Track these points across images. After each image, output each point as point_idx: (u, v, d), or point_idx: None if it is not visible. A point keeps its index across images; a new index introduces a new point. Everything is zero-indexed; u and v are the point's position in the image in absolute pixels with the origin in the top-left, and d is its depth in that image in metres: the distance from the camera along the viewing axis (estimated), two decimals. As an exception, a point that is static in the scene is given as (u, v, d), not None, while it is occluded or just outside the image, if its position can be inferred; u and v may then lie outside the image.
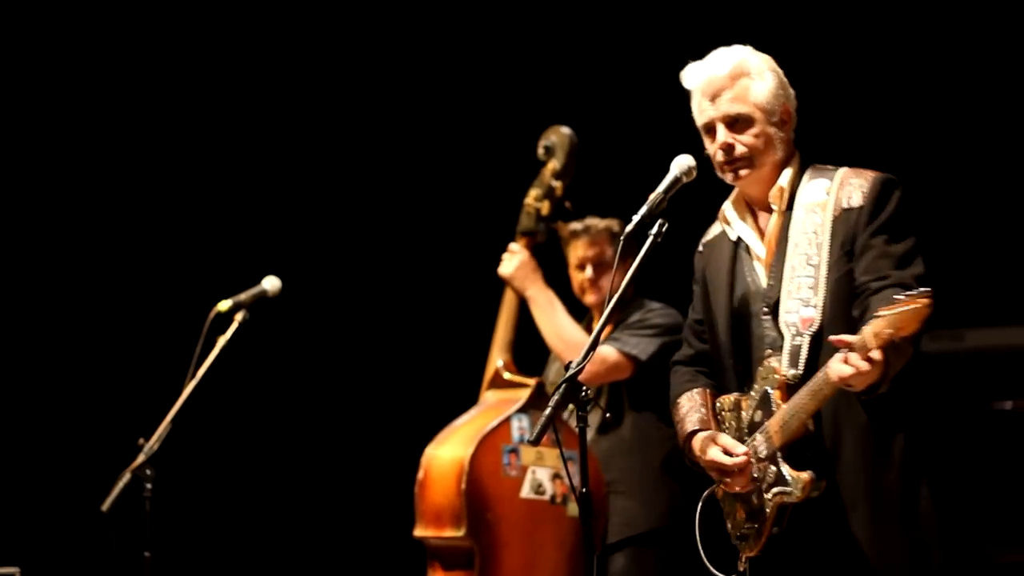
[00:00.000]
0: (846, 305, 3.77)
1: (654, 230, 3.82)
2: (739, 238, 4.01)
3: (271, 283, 5.32)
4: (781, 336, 3.83)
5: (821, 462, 3.77)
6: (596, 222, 5.61)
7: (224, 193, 7.43)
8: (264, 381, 7.24)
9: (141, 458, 4.95)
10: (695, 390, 4.08)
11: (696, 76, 3.98)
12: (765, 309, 3.89)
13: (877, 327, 3.45)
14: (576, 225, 5.63)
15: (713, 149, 3.95)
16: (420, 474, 5.24)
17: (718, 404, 4.01)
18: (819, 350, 3.76)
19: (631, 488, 5.37)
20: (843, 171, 3.90)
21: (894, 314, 3.43)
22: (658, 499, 5.37)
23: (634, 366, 5.36)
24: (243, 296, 5.25)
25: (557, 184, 5.60)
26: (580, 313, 5.68)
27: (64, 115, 7.32)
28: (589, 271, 5.57)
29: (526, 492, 5.19)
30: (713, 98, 3.94)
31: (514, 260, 5.53)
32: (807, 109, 4.10)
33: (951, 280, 6.82)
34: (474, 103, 7.36)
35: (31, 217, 7.28)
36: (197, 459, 6.75)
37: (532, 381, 5.36)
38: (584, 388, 3.72)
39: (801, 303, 3.80)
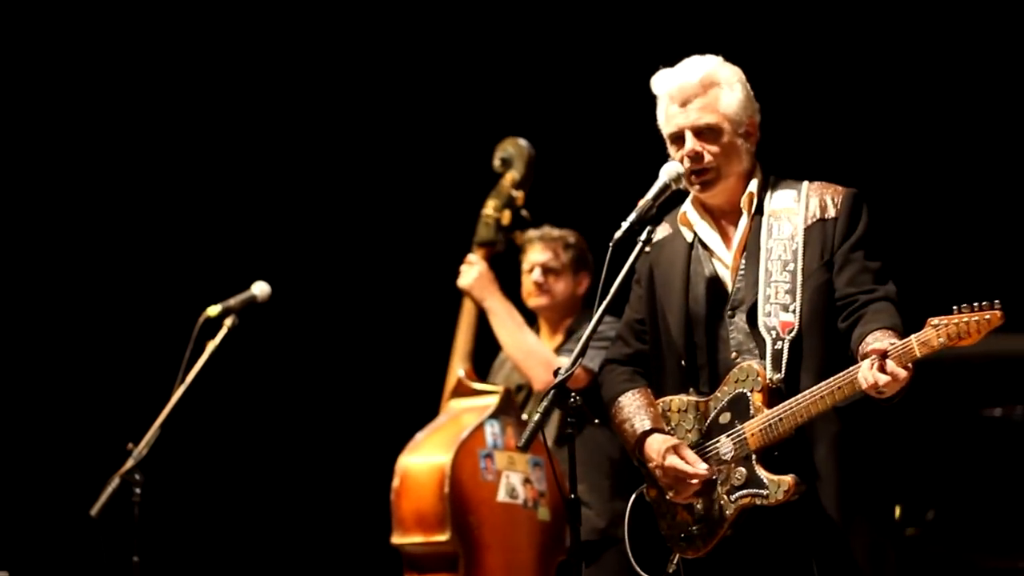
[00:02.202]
0: (823, 313, 3.82)
1: (643, 237, 3.83)
2: (695, 240, 4.02)
3: (260, 289, 5.31)
4: (754, 339, 3.86)
5: (797, 467, 3.79)
6: (551, 230, 5.68)
7: (211, 200, 7.44)
8: (252, 386, 7.24)
9: (130, 463, 4.94)
10: (636, 390, 4.07)
11: (666, 82, 3.99)
12: (731, 311, 3.91)
13: (926, 336, 3.54)
14: (533, 232, 5.69)
15: (679, 156, 3.95)
16: (395, 482, 5.25)
17: (662, 405, 4.01)
18: (799, 355, 3.80)
19: (588, 496, 5.41)
20: (807, 183, 3.95)
21: (952, 324, 3.51)
22: (613, 506, 5.41)
23: (589, 378, 5.41)
24: (232, 301, 5.25)
25: (518, 194, 5.65)
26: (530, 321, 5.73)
27: (53, 122, 7.32)
28: (537, 274, 5.63)
29: (502, 496, 5.23)
30: (683, 105, 3.95)
31: (472, 271, 5.55)
32: (769, 122, 4.13)
33: (937, 287, 6.86)
34: (435, 118, 7.43)
35: (20, 224, 7.28)
36: (186, 464, 6.75)
37: (500, 388, 5.40)
38: (572, 394, 3.72)
39: (780, 308, 3.82)
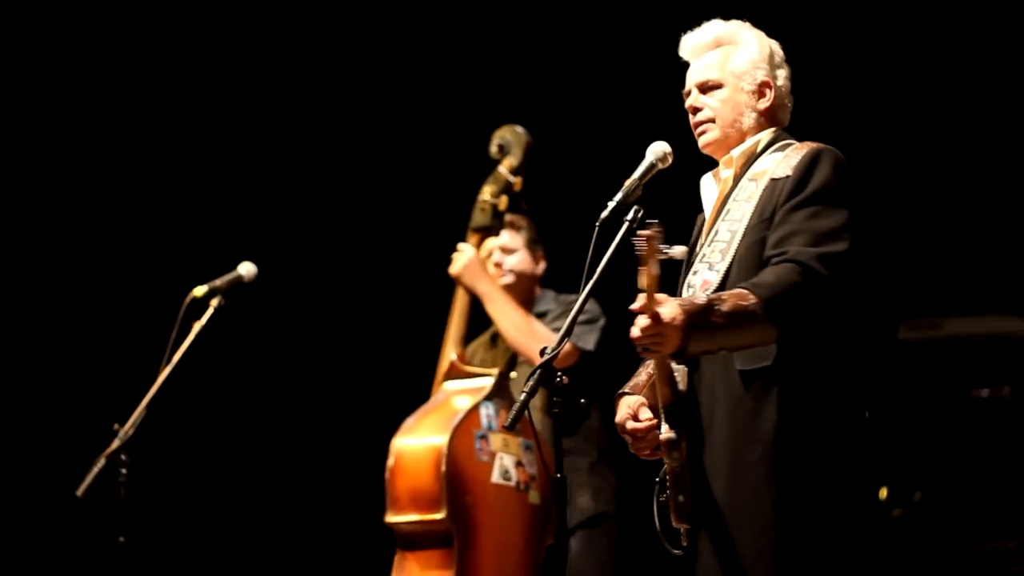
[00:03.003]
0: (752, 272, 3.63)
1: (629, 216, 3.78)
2: None
3: (247, 269, 5.30)
4: None
5: (693, 427, 3.67)
6: (508, 216, 5.69)
7: (199, 179, 7.43)
8: (239, 367, 7.23)
9: (116, 443, 4.93)
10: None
11: (686, 44, 3.94)
12: (694, 273, 3.80)
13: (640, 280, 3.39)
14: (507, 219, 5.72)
15: (690, 115, 3.91)
16: (390, 462, 5.26)
17: None
18: None
19: (578, 474, 5.42)
20: (795, 144, 3.79)
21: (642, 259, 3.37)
22: (604, 484, 5.45)
23: (579, 356, 5.41)
24: (219, 282, 5.24)
25: (516, 180, 5.65)
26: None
27: (40, 103, 7.31)
28: (497, 255, 5.66)
29: (496, 477, 5.24)
30: (694, 61, 3.91)
31: (463, 258, 5.55)
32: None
33: (929, 269, 6.88)
34: (429, 102, 7.43)
35: (4, 206, 7.26)
36: (172, 445, 6.75)
37: (494, 371, 5.41)
38: (558, 374, 3.69)
39: (707, 266, 3.72)
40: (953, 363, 6.68)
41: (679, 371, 3.72)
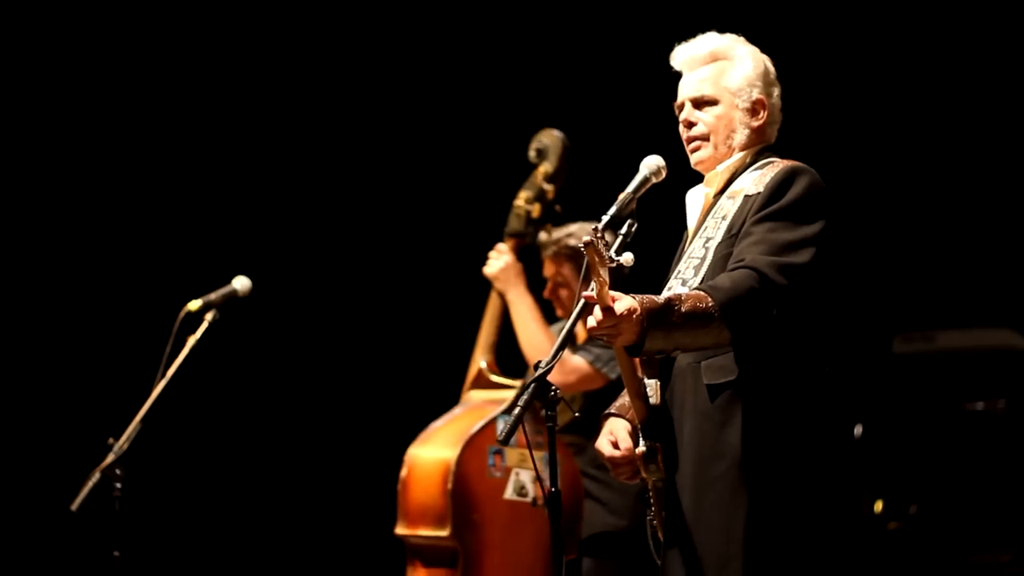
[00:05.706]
0: None
1: (623, 230, 3.78)
2: None
3: (241, 283, 5.29)
4: None
5: (666, 440, 3.69)
6: (552, 238, 5.55)
7: (195, 192, 7.42)
8: (235, 381, 7.23)
9: (111, 458, 4.92)
10: None
11: (679, 55, 3.93)
12: None
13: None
14: (544, 237, 5.60)
15: (681, 129, 3.91)
16: (403, 473, 5.23)
17: None
18: None
19: (595, 490, 5.39)
20: (776, 162, 3.80)
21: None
22: (621, 502, 5.39)
23: (605, 382, 5.36)
24: (213, 296, 5.23)
25: (549, 187, 5.55)
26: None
27: (37, 114, 7.29)
28: (546, 292, 5.57)
29: (509, 494, 5.18)
30: (689, 74, 3.90)
31: (500, 261, 5.49)
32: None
33: (923, 282, 6.89)
34: (461, 105, 7.40)
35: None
36: (167, 459, 6.74)
37: (519, 383, 5.35)
38: (553, 388, 3.69)
39: (681, 282, 3.73)
40: (947, 376, 6.69)
41: (651, 385, 3.74)
